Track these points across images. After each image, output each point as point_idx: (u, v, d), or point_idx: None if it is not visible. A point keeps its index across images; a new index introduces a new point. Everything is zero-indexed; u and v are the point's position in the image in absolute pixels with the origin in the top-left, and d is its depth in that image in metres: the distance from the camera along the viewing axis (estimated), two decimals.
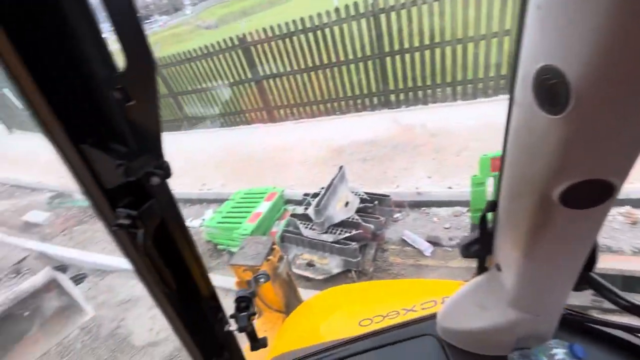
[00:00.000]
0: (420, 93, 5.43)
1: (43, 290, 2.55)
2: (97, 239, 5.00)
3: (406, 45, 5.06)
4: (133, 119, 0.38)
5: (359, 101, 5.90)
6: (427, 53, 5.00)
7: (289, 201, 4.21)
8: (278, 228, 3.59)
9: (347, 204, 3.30)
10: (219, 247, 3.95)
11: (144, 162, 0.40)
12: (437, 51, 4.95)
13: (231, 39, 6.05)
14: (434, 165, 4.06)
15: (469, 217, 3.26)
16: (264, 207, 3.75)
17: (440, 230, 3.31)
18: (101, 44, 0.36)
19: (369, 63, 5.43)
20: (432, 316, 0.86)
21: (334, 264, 3.07)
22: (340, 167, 3.48)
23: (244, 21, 17.94)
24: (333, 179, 3.30)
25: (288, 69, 5.99)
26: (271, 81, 6.27)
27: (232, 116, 7.15)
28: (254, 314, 0.73)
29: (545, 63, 0.34)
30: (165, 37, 23.14)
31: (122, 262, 4.18)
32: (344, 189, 3.43)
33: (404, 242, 3.29)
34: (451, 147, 4.26)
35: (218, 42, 6.18)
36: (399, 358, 0.80)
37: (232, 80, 6.59)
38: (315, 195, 3.54)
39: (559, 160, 0.39)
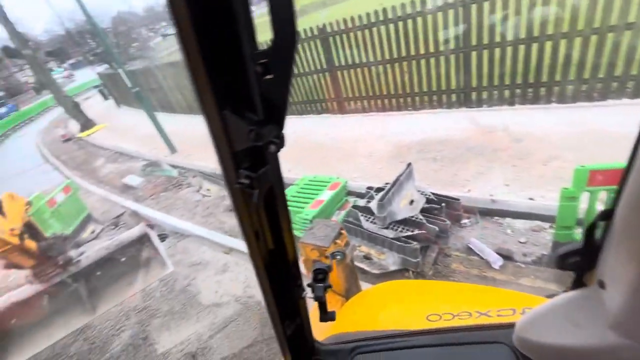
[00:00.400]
0: (507, 92, 4.95)
1: (137, 242, 3.00)
2: (178, 205, 5.65)
3: (497, 39, 4.62)
4: (267, 91, 0.43)
5: (434, 97, 5.60)
6: (522, 48, 4.50)
7: (350, 193, 4.24)
8: (338, 218, 3.65)
9: (412, 202, 3.21)
10: None
11: (269, 130, 0.45)
12: (535, 47, 4.43)
13: (311, 29, 6.20)
14: (514, 173, 3.70)
15: (551, 233, 2.91)
16: (326, 195, 3.84)
17: (514, 243, 3.02)
18: (251, 23, 0.41)
19: (451, 57, 5.10)
20: (508, 325, 0.81)
21: (391, 261, 3.03)
22: (409, 164, 3.37)
23: (324, 11, 18.17)
24: (400, 175, 3.22)
25: (364, 60, 5.94)
26: (345, 72, 6.29)
27: (302, 105, 7.38)
28: (330, 286, 0.78)
29: None
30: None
31: (196, 229, 4.68)
32: (410, 186, 3.34)
33: (469, 250, 3.09)
34: (538, 155, 3.82)
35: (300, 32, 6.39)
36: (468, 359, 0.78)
37: (306, 70, 6.77)
38: (379, 189, 3.50)
39: None
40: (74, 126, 14.12)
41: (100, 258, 2.88)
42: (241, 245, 4.11)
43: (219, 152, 0.48)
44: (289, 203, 3.88)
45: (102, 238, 5.00)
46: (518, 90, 4.84)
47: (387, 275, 3.02)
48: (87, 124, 13.32)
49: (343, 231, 1.38)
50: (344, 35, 5.87)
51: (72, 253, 2.75)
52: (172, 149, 7.71)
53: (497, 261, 2.86)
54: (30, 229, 2.43)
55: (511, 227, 3.21)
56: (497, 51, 4.68)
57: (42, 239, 2.53)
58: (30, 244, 2.39)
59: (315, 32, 6.16)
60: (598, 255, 0.61)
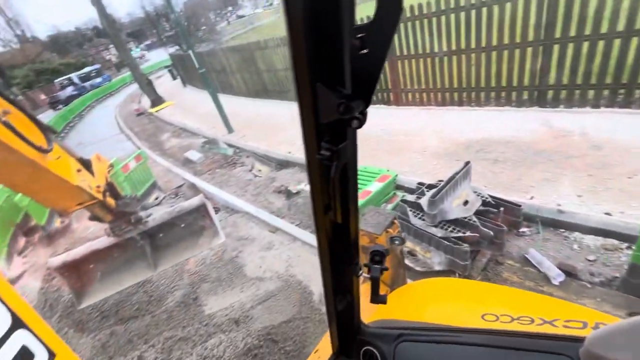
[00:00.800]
0: (591, 93, 4.40)
1: (195, 211, 3.26)
2: (231, 182, 6.00)
3: (587, 32, 4.10)
4: (360, 66, 0.44)
5: (502, 94, 5.18)
6: (617, 42, 3.95)
7: (399, 187, 4.14)
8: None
9: (466, 202, 3.05)
10: None
11: (357, 105, 0.46)
12: (635, 41, 3.85)
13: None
14: (589, 183, 3.31)
15: (629, 255, 2.58)
16: (374, 187, 3.80)
17: (581, 260, 2.74)
18: None
19: (528, 50, 4.64)
20: (576, 339, 0.75)
21: (437, 260, 2.93)
22: (467, 163, 3.19)
23: None
24: (456, 173, 3.06)
25: (428, 50, 5.66)
26: (405, 61, 6.06)
27: None
28: (386, 268, 0.79)
29: None
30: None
31: (246, 206, 4.94)
32: (465, 186, 3.16)
33: (526, 261, 2.87)
34: (621, 166, 3.38)
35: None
36: None
37: None
38: (430, 186, 3.38)
39: None
40: (146, 102, 15.53)
41: (164, 222, 3.18)
42: (287, 226, 4.26)
43: (304, 123, 0.51)
44: None
45: (163, 205, 5.51)
46: (605, 92, 4.28)
47: (431, 274, 2.94)
48: (157, 100, 14.57)
49: (396, 221, 1.36)
50: (408, 23, 5.63)
51: (142, 214, 3.08)
52: (230, 129, 8.15)
53: (557, 277, 2.62)
54: (111, 188, 2.77)
55: (579, 242, 2.90)
56: (586, 45, 4.15)
57: (119, 197, 2.87)
58: (111, 201, 2.73)
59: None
60: None
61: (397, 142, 5.28)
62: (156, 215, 3.19)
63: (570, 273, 2.65)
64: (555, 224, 3.08)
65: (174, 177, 7.01)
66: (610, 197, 3.07)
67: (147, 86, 14.61)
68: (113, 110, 17.90)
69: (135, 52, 40.28)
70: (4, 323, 0.72)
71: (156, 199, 5.82)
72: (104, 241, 3.05)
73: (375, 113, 6.67)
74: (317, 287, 3.22)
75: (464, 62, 5.33)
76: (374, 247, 0.79)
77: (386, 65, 6.34)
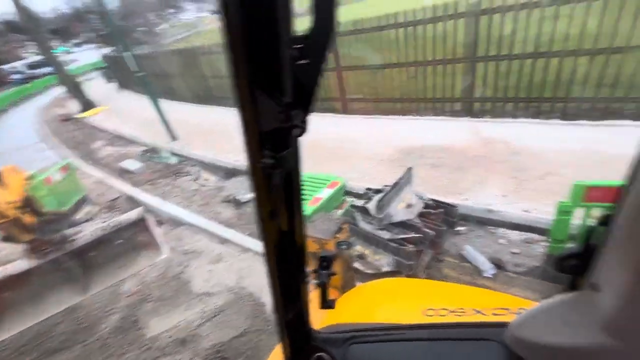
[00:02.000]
0: (510, 105, 5.01)
1: (134, 226, 3.01)
2: (175, 193, 5.64)
3: (504, 52, 4.68)
4: (299, 75, 0.45)
5: (438, 105, 5.65)
6: (528, 62, 4.57)
7: (349, 193, 4.27)
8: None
9: (409, 205, 3.24)
10: None
11: (297, 114, 0.47)
12: (540, 62, 4.49)
13: None
14: (511, 185, 3.75)
15: (544, 246, 2.96)
16: (325, 193, 3.86)
17: (507, 253, 3.07)
18: (289, 7, 0.43)
19: (458, 66, 5.15)
20: (502, 324, 0.84)
21: (385, 262, 3.06)
22: (409, 169, 3.41)
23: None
24: (400, 179, 3.26)
25: (371, 62, 5.97)
26: (351, 73, 6.32)
27: None
28: (334, 273, 0.80)
29: None
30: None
31: (192, 217, 4.68)
32: (408, 190, 3.37)
33: (462, 257, 3.13)
34: (535, 169, 3.87)
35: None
36: (461, 355, 0.80)
37: None
38: (377, 191, 3.54)
39: None
40: (74, 106, 14.01)
41: (96, 239, 2.88)
42: (237, 236, 4.12)
43: (246, 130, 0.50)
44: None
45: (96, 220, 4.98)
46: (521, 104, 4.90)
47: (380, 276, 3.05)
48: (87, 105, 13.23)
49: (345, 226, 1.40)
50: (353, 37, 5.91)
51: (68, 231, 2.75)
52: (173, 137, 7.69)
53: (489, 270, 2.90)
54: (29, 204, 2.43)
55: (506, 237, 3.25)
56: (504, 64, 4.73)
57: (41, 214, 2.53)
58: (28, 218, 2.39)
59: None
60: (593, 259, 0.64)
61: (345, 150, 5.45)
62: (87, 231, 2.87)
63: (499, 266, 2.96)
64: (486, 222, 3.42)
65: (108, 190, 6.38)
66: (527, 196, 3.50)
67: (75, 89, 13.22)
68: (35, 114, 15.83)
69: (61, 51, 36.23)
70: None
71: (87, 213, 5.25)
72: (21, 264, 2.65)
73: (325, 121, 6.82)
74: (269, 297, 3.15)
75: (404, 75, 5.73)
76: (322, 252, 0.81)
77: (334, 75, 6.55)
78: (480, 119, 5.26)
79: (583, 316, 0.68)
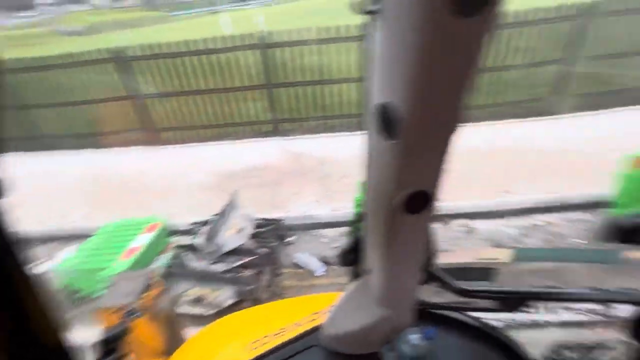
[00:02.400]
0: (306, 123, 5.89)
1: None
2: None
3: (291, 79, 5.52)
4: None
5: (248, 128, 5.97)
6: (309, 88, 5.56)
7: (174, 232, 3.82)
8: (160, 264, 3.19)
9: (240, 230, 3.21)
10: (80, 293, 3.22)
11: None
12: (319, 88, 5.57)
13: (108, 49, 5.40)
14: (321, 190, 4.37)
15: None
16: (142, 240, 3.30)
17: (330, 249, 3.54)
18: None
19: (260, 92, 5.64)
20: (318, 328, 0.91)
21: (226, 296, 2.89)
22: (234, 192, 3.39)
23: (124, 32, 16.07)
24: (226, 205, 3.19)
25: (177, 89, 5.67)
26: (156, 101, 5.77)
27: (101, 137, 6.18)
28: (123, 355, 0.64)
29: (380, 102, 0.45)
30: (13, 37, 19.10)
31: None
32: (236, 214, 3.34)
33: (296, 265, 3.37)
34: (335, 174, 4.69)
35: (89, 52, 5.41)
36: None
37: (103, 96, 5.77)
38: (204, 223, 3.33)
39: (395, 176, 0.50)
40: None
41: None
42: None
43: None
44: (87, 259, 3.09)
45: None
46: (314, 122, 5.88)
47: (223, 313, 2.86)
48: None
49: (153, 280, 1.20)
50: (151, 62, 5.43)
51: None
52: None
53: (319, 269, 3.25)
54: None
55: (326, 236, 3.75)
56: (292, 90, 5.60)
57: None
58: None
59: (107, 55, 5.38)
60: (362, 249, 0.79)
61: (161, 185, 4.87)
62: None
63: (327, 262, 3.37)
64: (309, 227, 3.84)
65: None
66: (333, 197, 4.18)
67: None
68: None
69: None
70: None
71: None
72: None
73: (129, 156, 5.88)
74: None
75: (215, 100, 5.75)
76: (100, 333, 0.63)
77: (132, 104, 5.76)
78: (287, 137, 5.93)
79: (366, 298, 0.84)
